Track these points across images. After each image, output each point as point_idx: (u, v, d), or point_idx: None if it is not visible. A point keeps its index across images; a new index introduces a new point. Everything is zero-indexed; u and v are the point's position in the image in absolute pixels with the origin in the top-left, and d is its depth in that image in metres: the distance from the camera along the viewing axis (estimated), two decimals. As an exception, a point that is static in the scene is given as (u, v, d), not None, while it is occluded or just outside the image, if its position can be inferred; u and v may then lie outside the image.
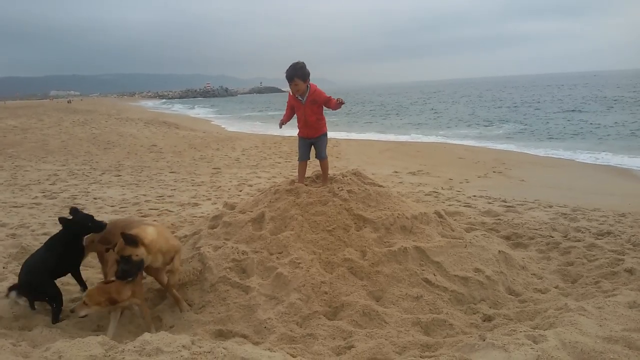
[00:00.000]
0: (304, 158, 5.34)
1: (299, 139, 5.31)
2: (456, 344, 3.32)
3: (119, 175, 12.29)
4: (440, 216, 5.32)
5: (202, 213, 7.86)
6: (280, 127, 5.31)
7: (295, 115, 5.20)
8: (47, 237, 5.99)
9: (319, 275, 4.19)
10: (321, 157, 5.26)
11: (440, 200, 8.82)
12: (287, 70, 4.89)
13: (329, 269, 4.33)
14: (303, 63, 4.91)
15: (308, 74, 4.90)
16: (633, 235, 5.77)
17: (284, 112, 5.23)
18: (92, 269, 5.18)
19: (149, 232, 3.78)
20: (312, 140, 5.22)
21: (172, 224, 7.14)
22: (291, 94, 5.04)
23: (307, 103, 4.98)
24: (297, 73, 4.83)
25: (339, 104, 4.91)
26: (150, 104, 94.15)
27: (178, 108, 73.07)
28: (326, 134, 5.29)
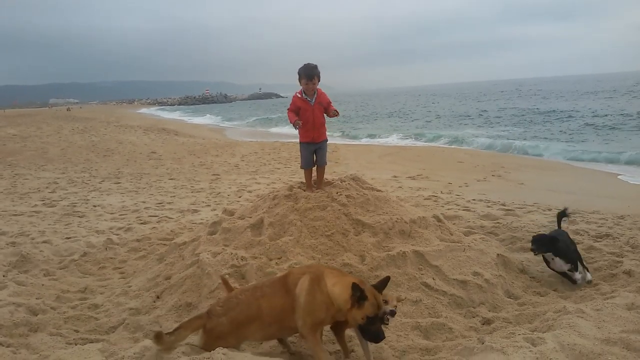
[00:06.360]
0: (309, 165, 5.24)
1: (302, 146, 5.19)
2: (455, 348, 3.34)
3: (119, 183, 12.31)
4: (439, 220, 5.33)
5: (201, 219, 7.88)
6: (297, 127, 5.01)
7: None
8: (47, 245, 6.05)
9: (318, 281, 4.19)
10: (324, 163, 5.25)
11: (440, 204, 8.83)
12: (308, 67, 4.88)
13: (328, 274, 4.33)
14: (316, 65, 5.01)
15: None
16: (632, 238, 5.78)
17: (289, 117, 5.05)
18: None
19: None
20: (317, 145, 5.15)
21: (171, 231, 7.15)
22: (298, 95, 4.98)
23: (315, 104, 4.98)
24: (318, 72, 4.91)
25: (335, 112, 4.97)
26: (149, 111, 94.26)
27: (177, 115, 73.13)
28: (327, 141, 5.29)
